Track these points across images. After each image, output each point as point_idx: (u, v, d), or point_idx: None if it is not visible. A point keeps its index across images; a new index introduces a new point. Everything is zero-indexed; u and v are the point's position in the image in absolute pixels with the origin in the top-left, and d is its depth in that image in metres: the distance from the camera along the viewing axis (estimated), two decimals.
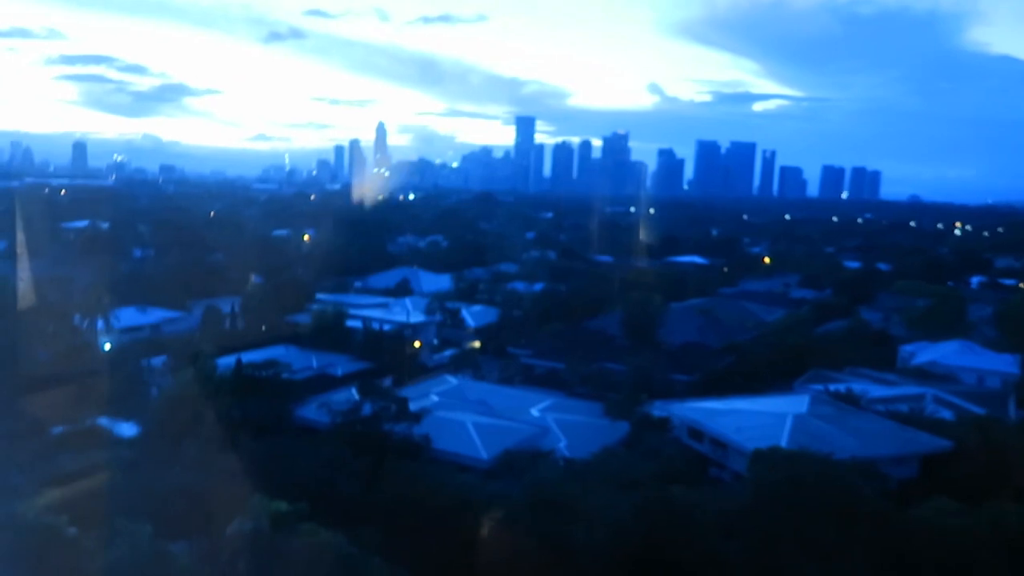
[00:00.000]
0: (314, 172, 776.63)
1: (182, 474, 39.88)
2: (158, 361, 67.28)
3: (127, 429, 55.24)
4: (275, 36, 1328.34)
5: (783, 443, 45.29)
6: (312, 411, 53.06)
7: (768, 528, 35.69)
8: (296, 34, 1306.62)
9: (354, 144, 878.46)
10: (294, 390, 57.79)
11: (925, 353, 78.65)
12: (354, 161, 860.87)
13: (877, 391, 61.31)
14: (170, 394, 53.90)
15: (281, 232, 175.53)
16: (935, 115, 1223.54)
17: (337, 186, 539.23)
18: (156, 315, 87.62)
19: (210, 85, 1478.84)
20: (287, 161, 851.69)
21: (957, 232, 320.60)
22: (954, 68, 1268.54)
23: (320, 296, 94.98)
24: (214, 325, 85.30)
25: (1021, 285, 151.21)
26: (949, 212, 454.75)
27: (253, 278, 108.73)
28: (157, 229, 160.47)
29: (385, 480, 39.88)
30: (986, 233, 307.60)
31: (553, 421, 55.51)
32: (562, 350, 77.07)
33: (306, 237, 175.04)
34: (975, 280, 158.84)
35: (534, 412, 57.87)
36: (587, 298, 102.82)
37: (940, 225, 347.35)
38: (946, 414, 55.56)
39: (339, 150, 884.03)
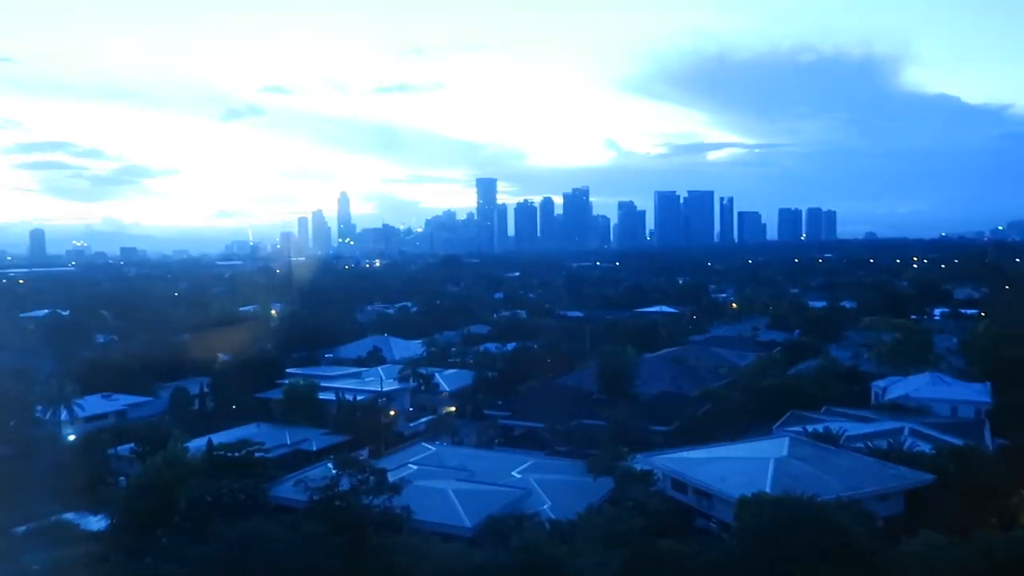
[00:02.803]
0: (278, 246, 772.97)
1: (154, 565, 38.31)
2: (125, 449, 65.21)
3: (95, 522, 53.18)
4: (233, 113, 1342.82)
5: (767, 488, 45.02)
6: (288, 489, 51.67)
7: (759, 575, 35.23)
8: (254, 111, 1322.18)
9: (317, 215, 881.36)
10: (268, 469, 56.30)
11: (897, 387, 79.49)
12: (318, 232, 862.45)
13: (855, 428, 61.56)
14: (138, 482, 52.09)
15: (248, 308, 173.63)
16: (882, 154, 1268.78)
17: (302, 258, 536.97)
18: (122, 401, 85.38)
19: (169, 165, 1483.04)
20: (250, 236, 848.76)
21: (915, 266, 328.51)
22: (895, 108, 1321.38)
23: (290, 370, 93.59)
24: (182, 407, 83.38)
25: (982, 314, 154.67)
26: (905, 247, 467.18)
27: (221, 356, 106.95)
28: (120, 313, 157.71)
29: (367, 556, 38.68)
30: (943, 265, 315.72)
31: (535, 482, 54.67)
32: (539, 409, 76.50)
33: (273, 311, 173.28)
34: (937, 312, 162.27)
35: (515, 474, 56.98)
36: (560, 354, 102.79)
37: (898, 260, 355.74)
38: (924, 447, 55.84)
39: (302, 222, 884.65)
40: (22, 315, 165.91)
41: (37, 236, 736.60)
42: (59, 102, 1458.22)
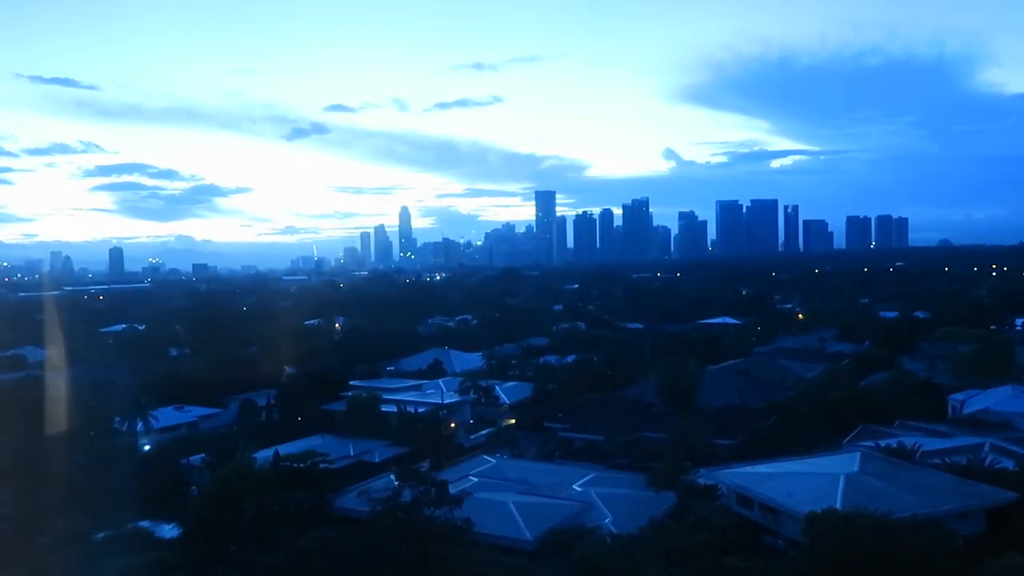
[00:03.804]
0: (342, 260, 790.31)
1: (224, 573, 39.28)
2: (197, 459, 67.25)
3: (168, 530, 54.97)
4: (299, 132, 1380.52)
5: (837, 504, 43.60)
6: (351, 500, 52.42)
7: None
8: (319, 129, 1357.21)
9: (379, 230, 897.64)
10: (332, 480, 57.26)
11: (976, 401, 76.10)
12: (380, 247, 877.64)
13: (930, 444, 59.14)
14: (209, 492, 53.63)
15: (312, 322, 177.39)
16: (956, 158, 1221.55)
17: (365, 272, 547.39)
18: (193, 413, 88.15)
19: (239, 184, 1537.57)
20: (315, 251, 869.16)
21: (994, 274, 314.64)
22: (970, 110, 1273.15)
23: (353, 383, 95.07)
24: (250, 419, 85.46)
25: None
26: (983, 254, 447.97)
27: (287, 369, 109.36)
28: (192, 328, 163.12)
29: (429, 567, 38.93)
30: None
31: (596, 495, 54.17)
32: (600, 421, 75.87)
33: (337, 325, 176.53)
34: (1019, 322, 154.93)
35: (576, 487, 56.56)
36: (621, 366, 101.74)
37: (975, 268, 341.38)
38: (1007, 463, 53.29)
39: (365, 237, 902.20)
40: (101, 330, 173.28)
41: (115, 254, 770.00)
42: (137, 126, 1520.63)
